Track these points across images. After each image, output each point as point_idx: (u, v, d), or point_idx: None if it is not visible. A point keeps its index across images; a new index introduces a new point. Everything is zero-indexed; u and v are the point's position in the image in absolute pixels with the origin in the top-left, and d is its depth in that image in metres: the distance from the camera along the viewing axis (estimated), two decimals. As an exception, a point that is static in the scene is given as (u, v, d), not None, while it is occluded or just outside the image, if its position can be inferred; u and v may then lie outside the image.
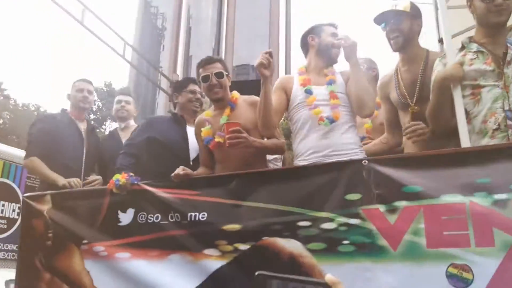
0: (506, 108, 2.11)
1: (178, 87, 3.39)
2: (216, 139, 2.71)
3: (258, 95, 2.86)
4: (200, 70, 2.87)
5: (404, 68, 2.67)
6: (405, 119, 2.63)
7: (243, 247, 2.17)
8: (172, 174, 2.53)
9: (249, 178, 2.36)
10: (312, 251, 2.01)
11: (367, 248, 1.90)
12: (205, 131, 2.82)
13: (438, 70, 2.36)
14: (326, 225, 2.02)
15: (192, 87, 3.31)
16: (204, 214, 2.32)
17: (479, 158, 1.85)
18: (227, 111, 2.81)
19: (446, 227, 1.77)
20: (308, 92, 2.65)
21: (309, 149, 2.55)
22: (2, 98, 35.30)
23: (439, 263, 1.73)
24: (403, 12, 2.58)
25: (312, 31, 2.82)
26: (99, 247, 2.57)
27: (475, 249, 1.69)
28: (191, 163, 3.04)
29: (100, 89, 32.53)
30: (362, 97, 2.53)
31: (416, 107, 2.53)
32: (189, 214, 2.36)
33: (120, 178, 2.62)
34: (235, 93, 2.93)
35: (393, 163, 2.02)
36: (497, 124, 2.13)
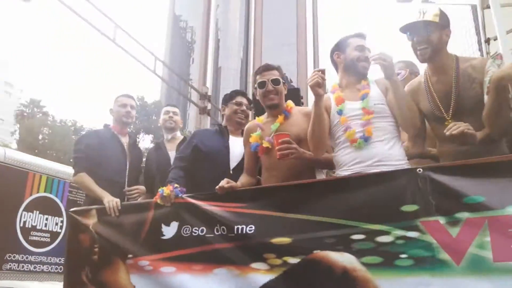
0: None
1: (226, 99, 3.42)
2: (264, 145, 2.68)
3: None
4: (257, 77, 2.87)
5: (434, 78, 2.51)
6: (438, 131, 2.50)
7: (293, 260, 2.10)
8: (217, 187, 2.50)
9: (298, 189, 2.29)
10: (366, 265, 1.92)
11: (427, 262, 1.79)
12: (254, 136, 2.79)
13: (492, 71, 2.23)
14: (382, 238, 1.92)
15: (239, 99, 3.34)
16: (251, 227, 2.27)
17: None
18: (281, 118, 2.77)
19: (514, 240, 1.65)
20: (339, 113, 2.57)
21: (354, 159, 2.45)
22: (41, 115, 36.74)
23: (507, 278, 1.61)
24: (432, 23, 2.43)
25: (337, 48, 2.75)
26: (144, 262, 2.56)
27: (548, 263, 1.56)
28: (231, 172, 3.02)
29: (133, 103, 33.27)
30: (405, 116, 2.42)
31: (451, 121, 2.37)
32: (235, 227, 2.31)
33: (165, 189, 2.64)
34: (290, 102, 2.90)
35: (450, 171, 1.91)
36: None
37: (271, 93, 2.80)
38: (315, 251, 2.06)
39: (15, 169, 4.60)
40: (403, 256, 1.85)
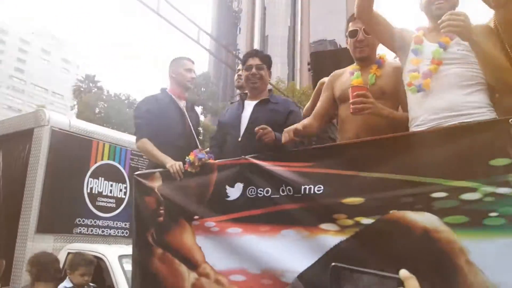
0: None
1: (242, 64, 3.28)
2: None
3: (336, 65, 2.79)
4: (350, 24, 2.68)
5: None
6: None
7: (366, 221, 1.99)
8: (282, 140, 2.46)
9: (371, 146, 2.15)
10: (450, 225, 1.77)
11: (523, 221, 1.62)
12: (356, 80, 2.58)
13: None
14: (468, 196, 1.76)
15: (250, 61, 3.13)
16: (320, 187, 2.17)
17: None
18: (374, 68, 2.60)
19: None
20: (414, 52, 2.35)
21: (424, 112, 2.24)
22: (96, 89, 38.28)
23: None
24: None
25: None
26: (210, 223, 2.56)
27: None
28: (239, 140, 2.99)
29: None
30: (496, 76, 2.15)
31: None
32: (302, 187, 2.23)
33: (190, 156, 2.74)
34: (384, 54, 2.72)
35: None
36: None
37: (362, 44, 2.62)
38: (391, 211, 1.93)
39: (80, 138, 4.77)
40: (493, 214, 1.69)
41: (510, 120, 1.76)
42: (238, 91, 3.80)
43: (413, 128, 2.29)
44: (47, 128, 4.52)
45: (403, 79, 2.43)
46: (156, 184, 2.87)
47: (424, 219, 1.84)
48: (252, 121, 2.99)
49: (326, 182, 2.17)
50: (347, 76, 2.69)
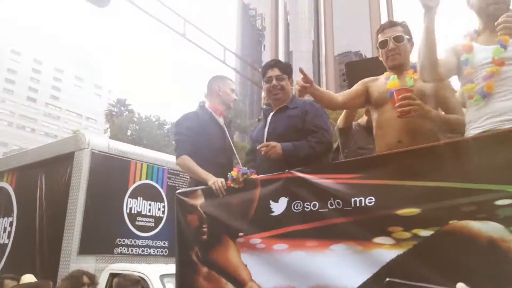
0: None
1: (262, 76, 3.19)
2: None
3: (371, 75, 2.71)
4: (379, 36, 2.64)
5: None
6: None
7: (425, 233, 1.88)
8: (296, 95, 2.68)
9: (425, 153, 2.04)
10: (520, 234, 1.65)
11: None
12: (393, 82, 2.50)
13: None
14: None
15: (270, 73, 3.06)
16: (371, 199, 2.08)
17: None
18: (411, 72, 2.53)
19: None
20: (465, 63, 2.25)
21: (483, 115, 2.14)
22: (127, 112, 39.22)
23: None
24: None
25: None
26: (256, 239, 2.50)
27: None
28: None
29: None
30: None
31: None
32: (352, 199, 2.14)
33: (233, 172, 2.74)
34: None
35: None
36: None
37: (393, 52, 2.55)
38: (451, 221, 1.82)
39: (119, 159, 4.86)
40: None
41: None
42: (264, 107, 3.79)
43: (470, 132, 2.19)
44: (87, 151, 4.63)
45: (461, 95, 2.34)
46: (199, 202, 2.85)
47: (488, 228, 1.72)
48: (270, 132, 2.95)
49: (377, 193, 2.08)
50: (383, 81, 2.63)
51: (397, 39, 2.53)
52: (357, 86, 2.75)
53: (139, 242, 4.85)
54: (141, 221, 4.91)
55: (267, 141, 2.86)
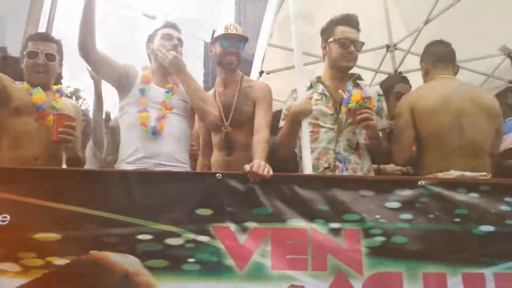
0: (337, 150, 2.41)
1: None
2: None
3: None
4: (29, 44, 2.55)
5: (221, 89, 2.72)
6: (215, 138, 2.69)
7: (60, 262, 1.72)
8: None
9: (72, 175, 1.94)
10: (151, 268, 1.77)
11: (213, 268, 1.82)
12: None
13: (290, 103, 2.51)
14: (172, 241, 1.82)
15: None
16: (5, 217, 1.72)
17: (320, 185, 2.02)
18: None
19: (289, 251, 1.87)
20: (141, 92, 2.44)
21: (137, 150, 2.34)
22: None
23: (281, 285, 1.81)
24: (245, 38, 2.65)
25: (148, 40, 2.65)
26: None
27: (311, 272, 1.85)
28: None
29: None
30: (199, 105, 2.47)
31: (229, 128, 2.59)
32: None
33: None
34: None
35: (245, 180, 1.98)
36: (327, 163, 2.41)
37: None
38: (91, 251, 1.76)
39: None
40: (191, 260, 1.81)
41: (217, 175, 1.97)
42: None
43: (121, 164, 2.30)
44: None
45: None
46: None
47: (126, 261, 1.77)
48: None
49: (13, 210, 1.74)
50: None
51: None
52: None
53: None
54: None
55: None
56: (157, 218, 1.85)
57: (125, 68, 2.48)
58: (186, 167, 2.44)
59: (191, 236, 1.84)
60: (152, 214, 1.86)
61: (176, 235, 1.83)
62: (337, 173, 2.38)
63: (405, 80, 3.34)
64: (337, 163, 2.40)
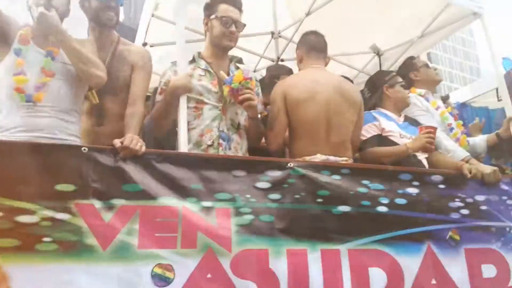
0: (221, 129, 2.40)
1: None
2: None
3: None
4: None
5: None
6: (85, 104, 2.47)
7: None
8: None
9: None
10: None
11: (72, 247, 1.67)
12: None
13: (168, 76, 2.40)
14: (24, 218, 1.63)
15: None
16: None
17: (194, 163, 1.99)
18: None
19: (158, 229, 1.82)
20: (18, 53, 2.12)
21: (13, 122, 2.08)
22: None
23: (147, 264, 1.75)
24: None
25: None
26: None
27: (179, 250, 1.82)
28: None
29: None
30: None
31: (96, 97, 2.37)
32: None
33: None
34: None
35: (113, 155, 1.87)
36: (211, 140, 2.39)
37: None
38: None
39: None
40: (46, 239, 1.64)
41: (82, 149, 1.82)
42: None
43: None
44: None
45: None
46: None
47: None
48: None
49: None
50: None
51: None
52: None
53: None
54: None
55: None
56: (9, 193, 1.65)
57: (7, 18, 2.14)
58: (75, 140, 2.19)
59: (49, 213, 1.67)
60: (2, 189, 1.65)
61: (31, 212, 1.65)
62: (220, 151, 2.39)
63: (290, 73, 3.48)
64: (221, 141, 2.41)
